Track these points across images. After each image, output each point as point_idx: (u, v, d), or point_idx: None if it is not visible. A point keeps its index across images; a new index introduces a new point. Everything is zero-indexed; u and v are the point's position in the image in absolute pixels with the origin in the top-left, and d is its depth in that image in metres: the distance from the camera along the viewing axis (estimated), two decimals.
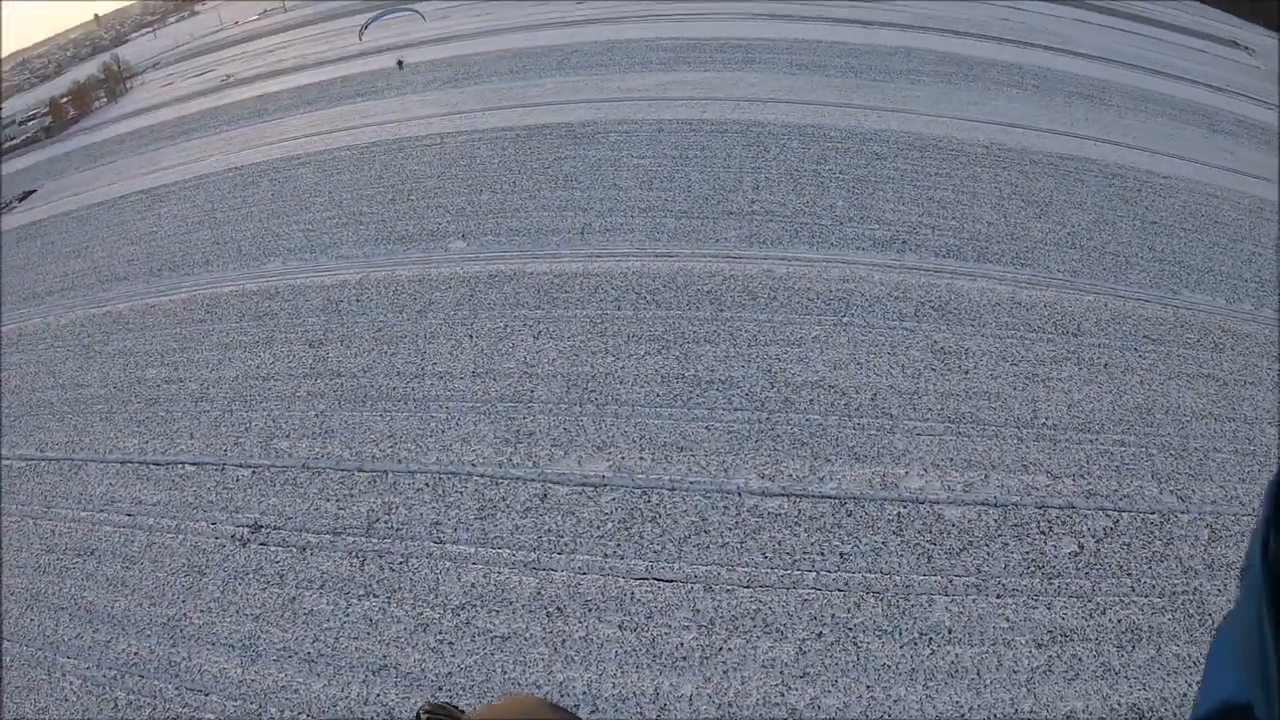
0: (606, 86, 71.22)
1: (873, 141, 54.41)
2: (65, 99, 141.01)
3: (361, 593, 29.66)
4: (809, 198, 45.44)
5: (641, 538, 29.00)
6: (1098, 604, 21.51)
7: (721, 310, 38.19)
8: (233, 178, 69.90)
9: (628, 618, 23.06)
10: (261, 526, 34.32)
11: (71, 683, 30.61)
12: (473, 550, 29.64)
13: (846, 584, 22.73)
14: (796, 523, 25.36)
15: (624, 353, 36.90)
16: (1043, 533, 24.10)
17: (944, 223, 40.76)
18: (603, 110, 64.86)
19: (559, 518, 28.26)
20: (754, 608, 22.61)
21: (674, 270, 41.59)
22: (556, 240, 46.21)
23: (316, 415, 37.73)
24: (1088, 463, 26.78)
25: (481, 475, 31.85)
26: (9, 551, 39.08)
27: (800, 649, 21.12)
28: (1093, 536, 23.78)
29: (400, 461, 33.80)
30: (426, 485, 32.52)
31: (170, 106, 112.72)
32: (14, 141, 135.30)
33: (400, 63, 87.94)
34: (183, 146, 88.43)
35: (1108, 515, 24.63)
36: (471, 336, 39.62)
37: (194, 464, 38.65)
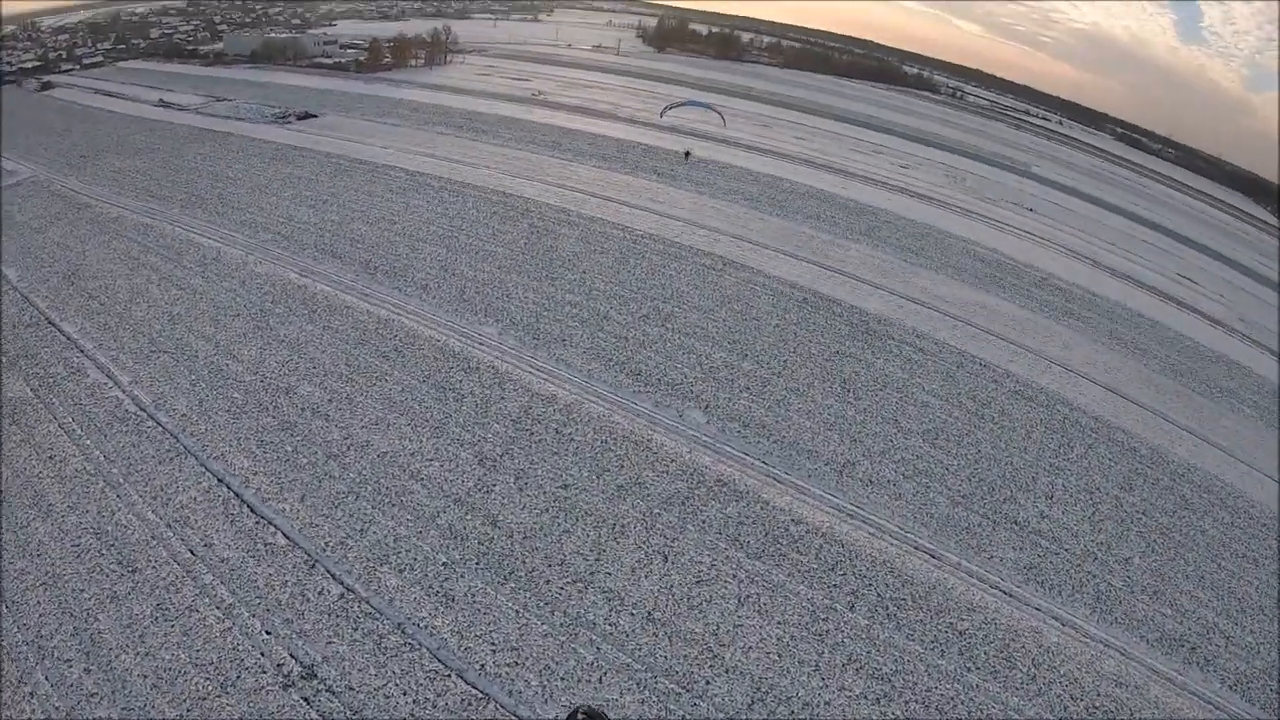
0: (911, 281, 61.57)
1: (1185, 481, 42.62)
2: (388, 44, 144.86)
3: None
4: (1105, 537, 35.88)
5: None
6: None
7: (969, 668, 27.19)
8: (495, 204, 64.21)
9: None
10: (316, 675, 25.29)
11: (39, 695, 22.46)
12: None
13: None
14: None
15: (835, 680, 25.03)
16: None
17: (1241, 634, 32.32)
18: (903, 310, 55.10)
19: None
20: None
21: (931, 581, 30.78)
22: (810, 468, 36.04)
23: (446, 564, 28.47)
24: None
25: None
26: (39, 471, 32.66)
27: None
28: None
29: (512, 694, 24.30)
30: None
31: (475, 97, 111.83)
32: (328, 61, 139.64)
33: (688, 154, 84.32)
34: (466, 143, 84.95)
35: None
36: (666, 557, 29.28)
37: (288, 539, 30.39)
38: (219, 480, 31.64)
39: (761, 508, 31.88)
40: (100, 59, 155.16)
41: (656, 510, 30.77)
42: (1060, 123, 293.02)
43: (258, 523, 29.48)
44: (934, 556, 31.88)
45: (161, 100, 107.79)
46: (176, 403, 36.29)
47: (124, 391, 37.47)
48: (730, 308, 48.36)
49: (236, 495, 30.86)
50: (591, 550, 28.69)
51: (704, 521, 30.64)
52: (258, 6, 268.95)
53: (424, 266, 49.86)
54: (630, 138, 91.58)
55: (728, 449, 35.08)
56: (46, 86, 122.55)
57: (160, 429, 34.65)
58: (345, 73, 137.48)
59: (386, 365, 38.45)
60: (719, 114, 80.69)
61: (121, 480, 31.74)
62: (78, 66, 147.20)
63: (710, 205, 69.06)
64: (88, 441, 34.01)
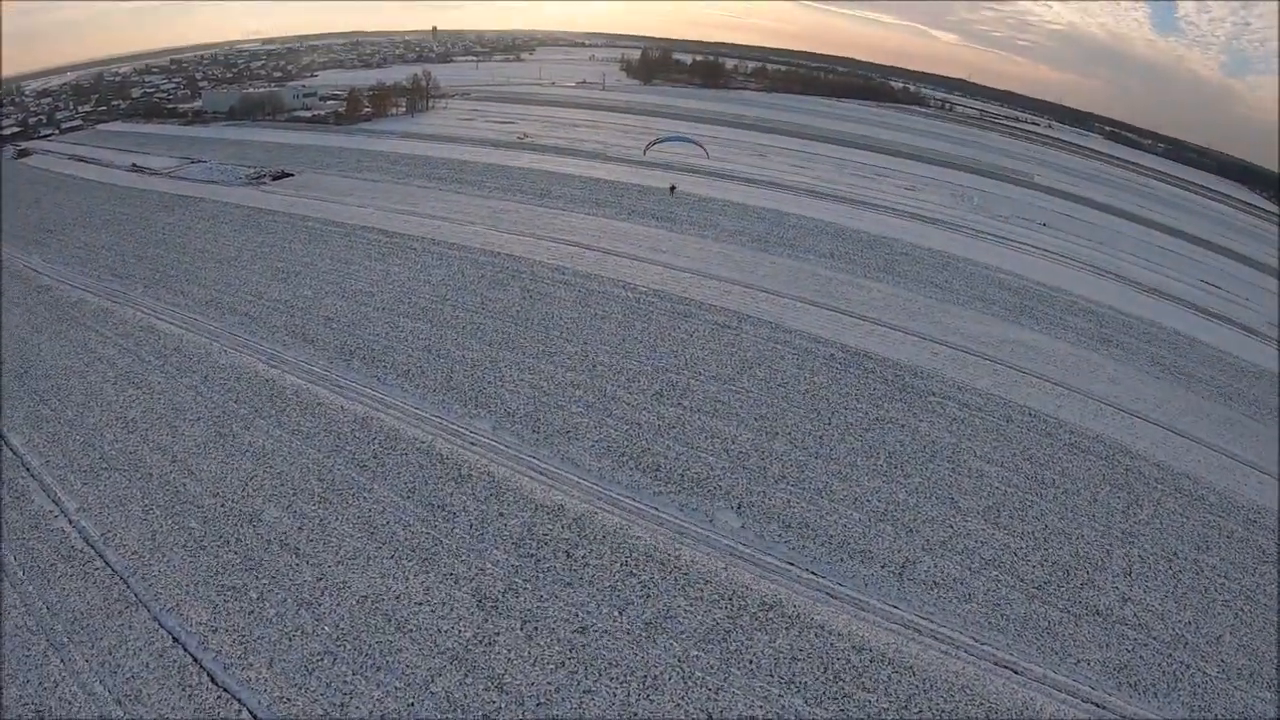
0: (941, 320, 56.44)
1: (1259, 528, 37.72)
2: (368, 93, 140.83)
3: None
4: (1191, 614, 31.03)
5: None
6: None
7: None
8: (483, 266, 58.81)
9: None
10: None
11: None
12: None
13: None
14: None
15: None
16: None
17: None
18: (938, 357, 49.86)
19: None
20: None
21: (1018, 703, 25.17)
22: (865, 574, 30.34)
23: None
24: None
25: None
26: None
27: None
28: None
29: None
30: None
31: (458, 144, 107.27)
32: (308, 113, 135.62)
33: (673, 188, 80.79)
34: (450, 196, 79.98)
35: None
36: (711, 717, 24.20)
37: None
38: (174, 639, 26.55)
39: (817, 635, 26.72)
40: (80, 122, 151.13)
41: (694, 652, 25.53)
42: (1049, 126, 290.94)
43: (219, 697, 24.41)
44: (1016, 671, 27.30)
45: (134, 165, 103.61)
46: (127, 535, 31.29)
47: (71, 522, 32.64)
48: (752, 374, 43.25)
49: (194, 659, 25.78)
50: (620, 715, 23.38)
51: (752, 662, 25.43)
52: (240, 61, 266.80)
53: (405, 348, 44.75)
54: (623, 179, 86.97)
55: (770, 559, 29.91)
56: (23, 154, 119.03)
57: (109, 571, 29.70)
58: (324, 125, 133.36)
59: (365, 478, 33.22)
60: (701, 146, 76.81)
61: (66, 640, 27.05)
62: (57, 131, 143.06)
63: (716, 250, 64.15)
64: (30, 588, 29.15)
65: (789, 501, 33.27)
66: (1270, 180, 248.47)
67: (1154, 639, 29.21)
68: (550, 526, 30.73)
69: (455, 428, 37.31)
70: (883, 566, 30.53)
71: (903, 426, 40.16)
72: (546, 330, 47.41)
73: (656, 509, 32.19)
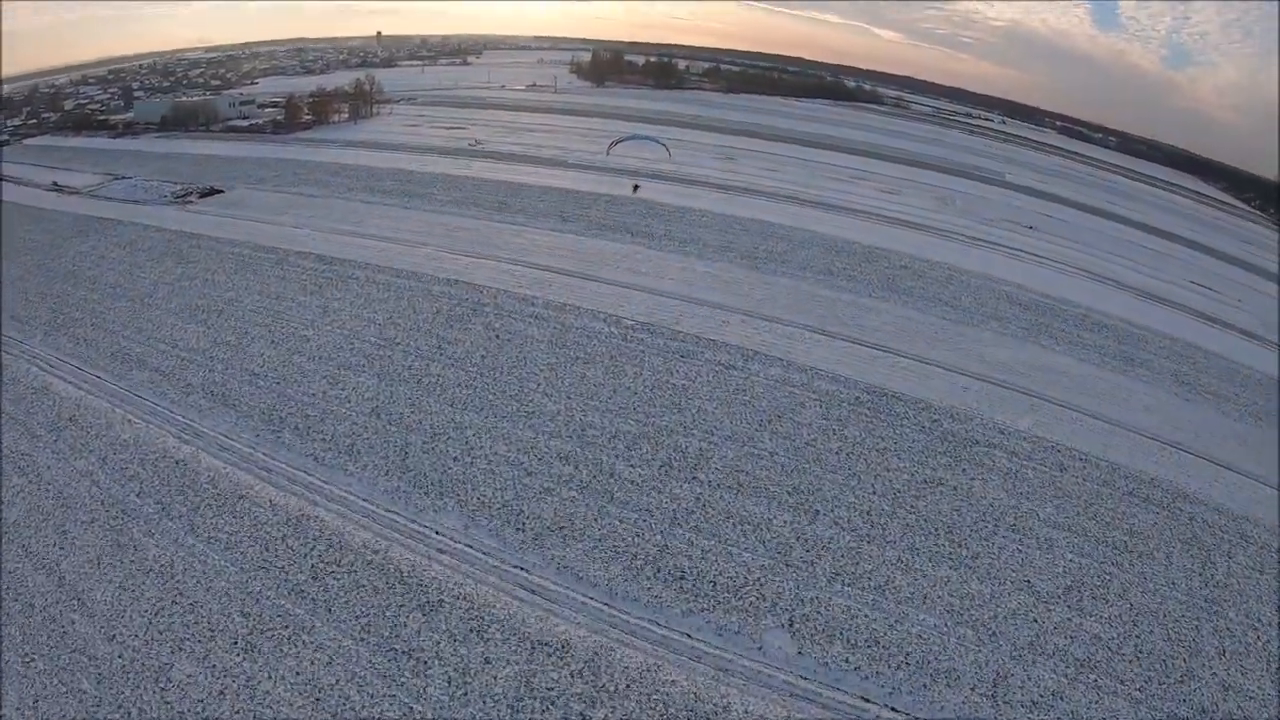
0: (960, 346, 49.32)
1: None
2: (308, 100, 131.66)
3: None
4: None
5: None
6: None
7: None
8: (438, 298, 49.14)
9: None
10: None
11: None
12: None
13: None
14: None
15: None
16: None
17: None
18: (969, 393, 42.57)
19: None
20: None
21: None
22: (955, 702, 23.46)
23: None
24: None
25: None
26: None
27: None
28: None
29: None
30: None
31: (405, 152, 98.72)
32: (245, 123, 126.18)
33: (636, 187, 75.43)
34: (397, 212, 71.37)
35: None
36: None
37: None
38: None
39: None
40: (6, 138, 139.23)
41: None
42: (1004, 122, 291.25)
43: None
44: None
45: (55, 183, 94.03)
46: (5, 700, 23.74)
47: None
48: (773, 431, 36.24)
49: None
50: None
51: None
52: (179, 69, 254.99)
53: (348, 411, 36.89)
54: (589, 188, 79.66)
55: (840, 696, 23.06)
56: None
57: None
58: (261, 135, 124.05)
59: (303, 611, 25.35)
60: (664, 146, 73.59)
61: None
62: None
63: (703, 270, 57.14)
64: None
65: (849, 609, 26.28)
66: (1220, 171, 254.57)
67: None
68: (554, 675, 23.21)
69: (415, 528, 29.54)
70: (973, 689, 24.03)
71: (955, 489, 33.69)
72: (520, 382, 39.80)
73: (688, 635, 24.91)
